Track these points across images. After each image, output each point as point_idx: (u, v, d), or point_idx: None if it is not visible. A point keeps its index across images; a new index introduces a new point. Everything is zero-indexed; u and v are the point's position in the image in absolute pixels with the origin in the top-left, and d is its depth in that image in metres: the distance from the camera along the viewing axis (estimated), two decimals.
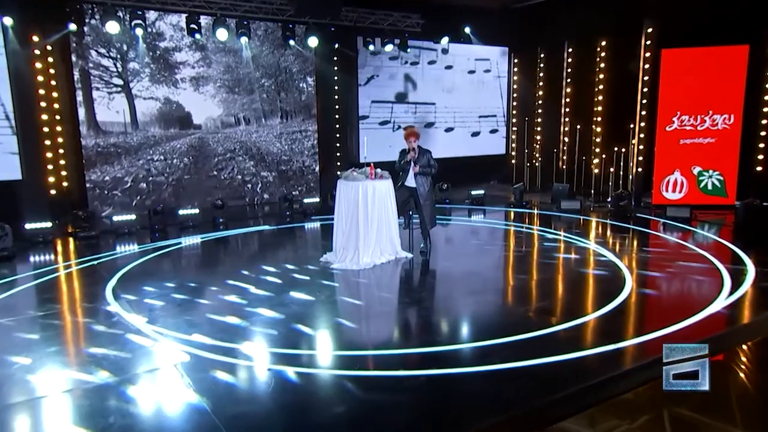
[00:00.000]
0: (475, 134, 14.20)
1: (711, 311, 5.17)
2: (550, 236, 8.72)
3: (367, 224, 6.95)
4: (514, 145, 15.13)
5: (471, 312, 5.54)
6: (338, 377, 4.04)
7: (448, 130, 13.86)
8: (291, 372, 4.11)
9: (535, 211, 10.92)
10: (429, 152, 7.27)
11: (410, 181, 7.29)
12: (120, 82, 10.12)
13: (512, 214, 10.75)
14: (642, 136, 11.04)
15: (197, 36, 10.25)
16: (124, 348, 4.55)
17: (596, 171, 12.27)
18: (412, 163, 7.16)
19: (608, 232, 9.09)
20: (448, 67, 13.83)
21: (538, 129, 14.42)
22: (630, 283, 6.03)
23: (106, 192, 10.20)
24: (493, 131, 14.48)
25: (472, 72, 14.22)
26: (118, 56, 10.07)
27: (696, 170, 10.34)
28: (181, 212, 9.53)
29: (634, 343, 4.49)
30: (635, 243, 8.51)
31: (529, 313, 5.41)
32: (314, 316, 5.35)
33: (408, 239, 7.51)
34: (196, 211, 9.62)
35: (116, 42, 9.96)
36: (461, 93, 14.06)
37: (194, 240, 8.83)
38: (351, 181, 7.05)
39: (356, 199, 6.93)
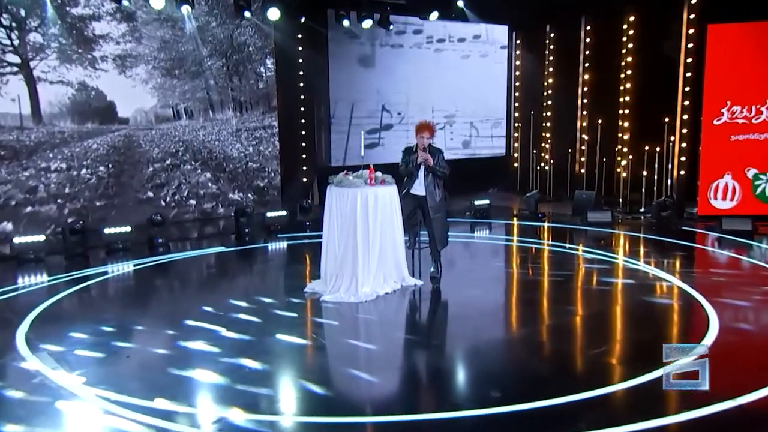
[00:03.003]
0: (465, 57, 14.98)
1: None
2: (586, 256, 8.58)
3: (367, 243, 6.60)
4: (516, 145, 15.00)
5: (523, 357, 5.25)
6: None
7: (438, 51, 14.59)
8: None
9: (553, 225, 10.82)
10: (441, 152, 7.00)
11: (418, 189, 6.98)
12: (16, 59, 9.54)
13: (528, 229, 10.66)
14: (684, 131, 11.01)
15: (124, 2, 9.74)
16: (54, 423, 4.00)
17: (624, 175, 12.18)
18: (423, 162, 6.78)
19: (659, 251, 8.97)
20: None
21: (548, 125, 14.36)
22: (714, 317, 5.75)
23: None
24: (483, 56, 15.19)
25: None
26: (13, 24, 9.46)
27: (751, 173, 10.34)
28: (108, 231, 9.09)
29: (759, 397, 4.11)
30: (699, 263, 8.43)
31: (597, 358, 5.06)
32: (317, 367, 5.06)
33: (413, 261, 7.24)
34: (128, 229, 9.23)
35: (10, 5, 9.31)
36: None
37: (128, 267, 8.42)
38: (345, 188, 6.70)
39: (353, 212, 6.58)
